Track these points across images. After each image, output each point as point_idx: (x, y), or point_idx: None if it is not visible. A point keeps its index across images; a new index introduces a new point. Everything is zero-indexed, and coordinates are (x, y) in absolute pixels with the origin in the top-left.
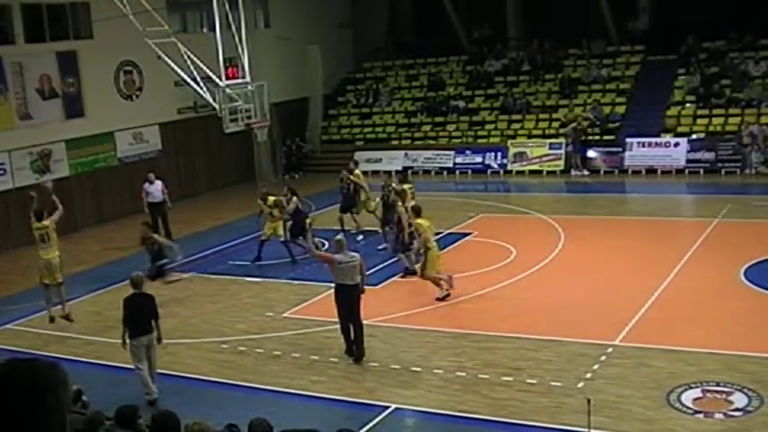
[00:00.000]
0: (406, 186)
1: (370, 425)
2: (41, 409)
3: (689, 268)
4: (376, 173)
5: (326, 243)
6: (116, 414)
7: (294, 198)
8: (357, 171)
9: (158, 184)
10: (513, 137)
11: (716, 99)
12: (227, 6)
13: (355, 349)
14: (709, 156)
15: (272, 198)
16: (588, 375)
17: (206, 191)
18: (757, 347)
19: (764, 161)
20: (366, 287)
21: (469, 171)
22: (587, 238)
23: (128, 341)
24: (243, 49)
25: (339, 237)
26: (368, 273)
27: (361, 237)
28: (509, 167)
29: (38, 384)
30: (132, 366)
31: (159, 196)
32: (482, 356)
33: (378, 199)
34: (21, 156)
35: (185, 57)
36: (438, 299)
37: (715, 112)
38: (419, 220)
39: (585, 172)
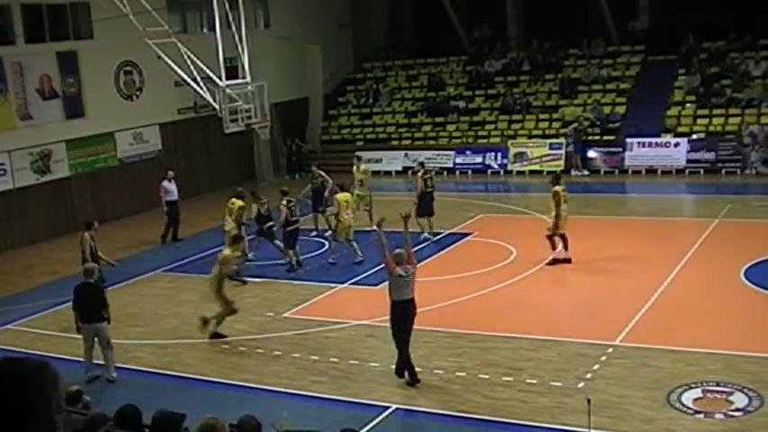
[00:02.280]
0: (558, 188)
1: (371, 425)
2: (30, 408)
3: (689, 268)
4: (376, 173)
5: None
6: (117, 414)
7: (254, 205)
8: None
9: (174, 182)
10: (514, 137)
11: (716, 99)
12: (227, 6)
13: (407, 371)
14: (710, 156)
15: (239, 202)
16: (588, 375)
17: (206, 191)
18: (757, 347)
19: (765, 161)
20: (366, 287)
21: (470, 171)
22: (587, 238)
23: (81, 325)
24: (243, 49)
25: (399, 250)
26: (368, 272)
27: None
28: (509, 167)
29: (27, 383)
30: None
31: (176, 195)
32: (482, 357)
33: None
34: (21, 156)
35: (185, 57)
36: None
37: (715, 112)
38: (338, 195)
39: (586, 172)
